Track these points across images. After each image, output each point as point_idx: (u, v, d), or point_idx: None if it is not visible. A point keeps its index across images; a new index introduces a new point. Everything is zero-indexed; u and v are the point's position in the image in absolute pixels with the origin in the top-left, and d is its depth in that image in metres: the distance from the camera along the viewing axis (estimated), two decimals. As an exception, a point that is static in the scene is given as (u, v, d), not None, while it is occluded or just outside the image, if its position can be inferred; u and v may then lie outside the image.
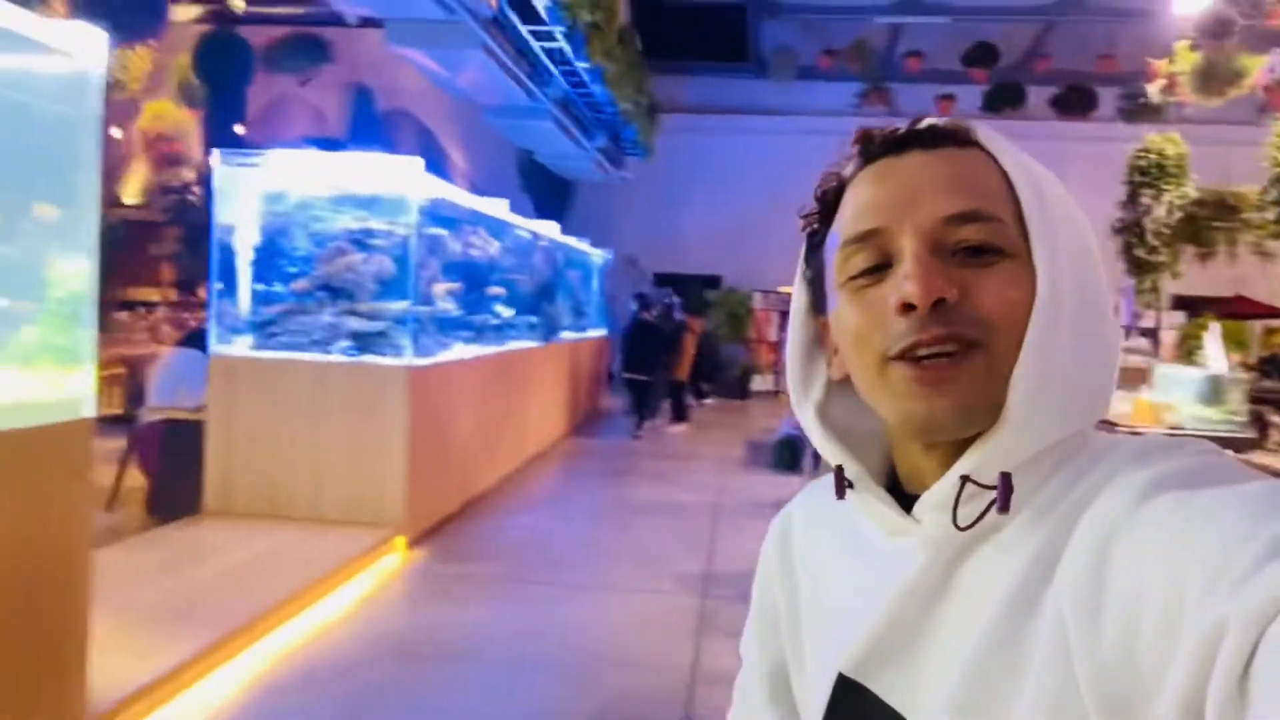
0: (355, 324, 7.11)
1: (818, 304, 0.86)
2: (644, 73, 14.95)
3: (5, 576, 3.30)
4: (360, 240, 7.36)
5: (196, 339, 7.49)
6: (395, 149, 12.25)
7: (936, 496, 0.75)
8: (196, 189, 15.24)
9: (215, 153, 7.01)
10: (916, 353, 0.72)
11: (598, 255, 16.22)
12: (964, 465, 0.73)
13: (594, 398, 15.30)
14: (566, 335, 13.13)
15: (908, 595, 0.76)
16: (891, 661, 0.77)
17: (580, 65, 11.95)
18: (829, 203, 0.83)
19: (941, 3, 18.00)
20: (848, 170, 0.82)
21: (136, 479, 7.43)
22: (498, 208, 9.73)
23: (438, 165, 12.51)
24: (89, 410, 3.72)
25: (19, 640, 3.37)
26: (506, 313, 10.17)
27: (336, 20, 12.59)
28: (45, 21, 3.58)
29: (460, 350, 8.26)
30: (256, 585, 5.31)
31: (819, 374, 0.88)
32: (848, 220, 0.79)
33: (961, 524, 0.72)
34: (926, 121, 0.79)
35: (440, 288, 8.26)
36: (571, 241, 13.88)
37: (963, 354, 0.71)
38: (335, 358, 6.86)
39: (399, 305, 7.13)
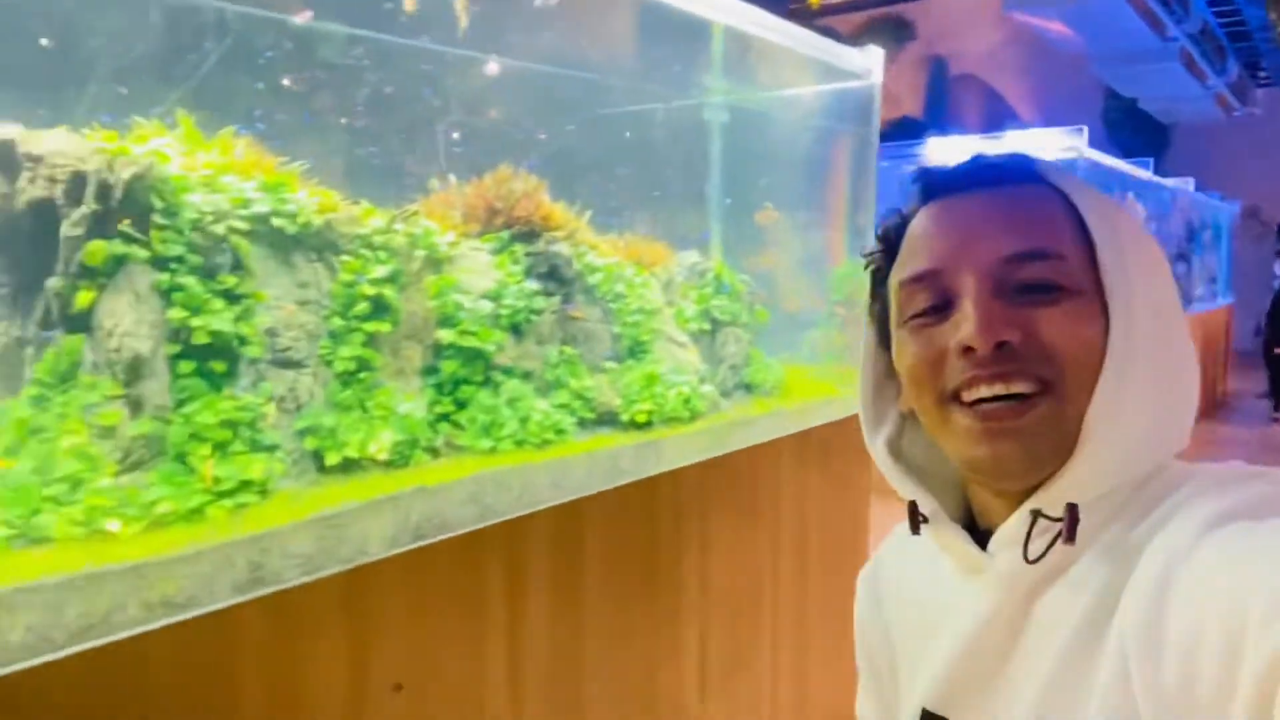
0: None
1: (885, 338, 0.85)
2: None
3: (829, 549, 3.77)
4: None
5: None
6: (962, 115, 11.70)
7: (1008, 533, 0.78)
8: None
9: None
10: (977, 394, 0.72)
11: (1223, 209, 13.75)
12: (1035, 501, 0.75)
13: (1212, 380, 13.08)
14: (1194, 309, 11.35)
15: (984, 631, 0.78)
16: (971, 696, 0.78)
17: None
18: (891, 240, 0.83)
19: None
20: (909, 207, 0.83)
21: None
22: (1137, 169, 8.68)
23: (1003, 124, 11.66)
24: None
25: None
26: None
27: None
28: (843, 49, 3.94)
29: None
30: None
31: (890, 407, 0.87)
32: (907, 259, 0.80)
33: (1031, 557, 0.73)
34: (986, 157, 0.77)
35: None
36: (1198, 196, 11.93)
37: (1030, 398, 0.71)
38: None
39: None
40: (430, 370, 3.47)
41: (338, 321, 3.19)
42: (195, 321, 2.84)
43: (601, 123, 4.11)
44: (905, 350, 0.81)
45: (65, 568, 2.39)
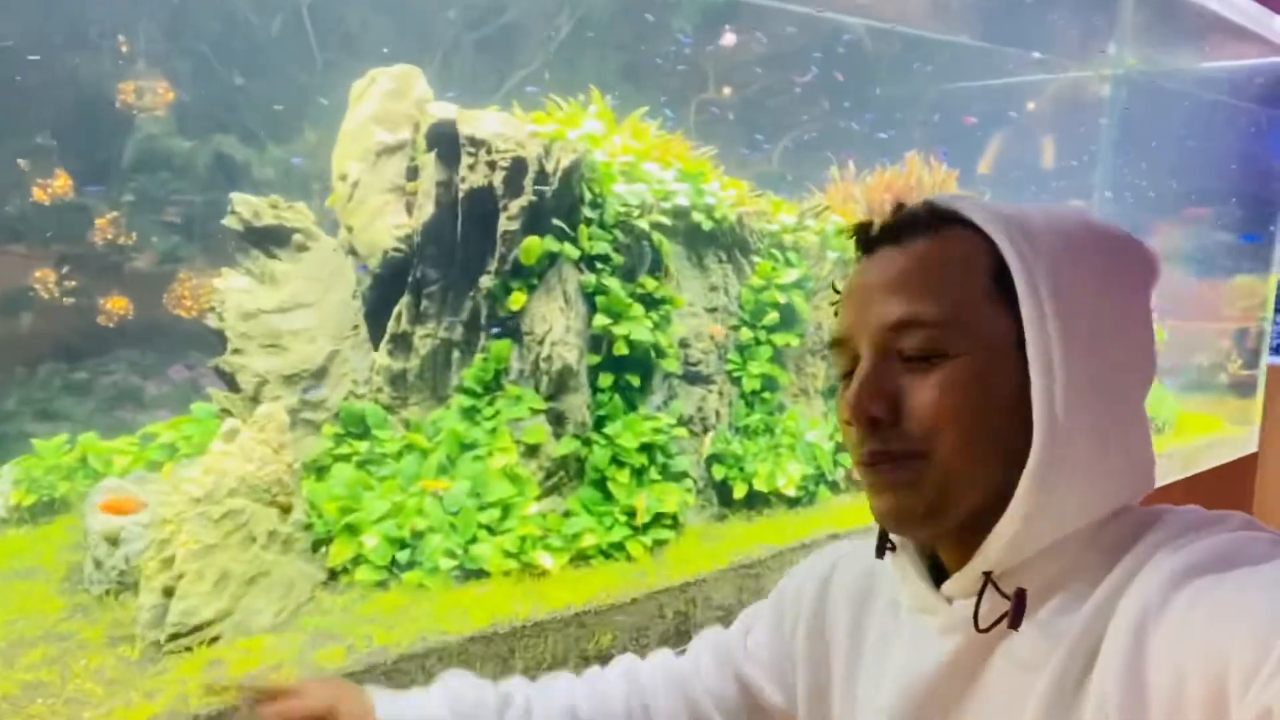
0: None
1: None
2: None
3: None
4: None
5: None
6: None
7: (959, 586, 0.75)
8: None
9: None
10: (868, 451, 0.73)
11: None
12: (981, 560, 0.72)
13: None
14: None
15: (943, 672, 0.76)
16: None
17: None
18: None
19: None
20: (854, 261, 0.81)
21: None
22: None
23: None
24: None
25: None
26: None
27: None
28: None
29: None
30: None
31: None
32: (836, 320, 0.79)
33: (982, 624, 0.72)
34: (908, 208, 0.75)
35: None
36: None
37: (902, 462, 0.72)
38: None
39: None
40: (833, 390, 2.99)
41: (745, 333, 2.79)
42: (617, 329, 2.52)
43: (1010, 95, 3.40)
44: (838, 407, 0.80)
45: (506, 610, 2.12)
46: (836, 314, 0.82)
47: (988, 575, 0.73)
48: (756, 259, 2.82)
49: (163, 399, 3.45)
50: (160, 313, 3.97)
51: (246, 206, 2.35)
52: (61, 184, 3.99)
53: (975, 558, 0.73)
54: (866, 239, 0.78)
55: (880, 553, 0.84)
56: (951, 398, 0.70)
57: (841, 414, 0.76)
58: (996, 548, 0.71)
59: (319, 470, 2.24)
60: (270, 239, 2.36)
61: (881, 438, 0.73)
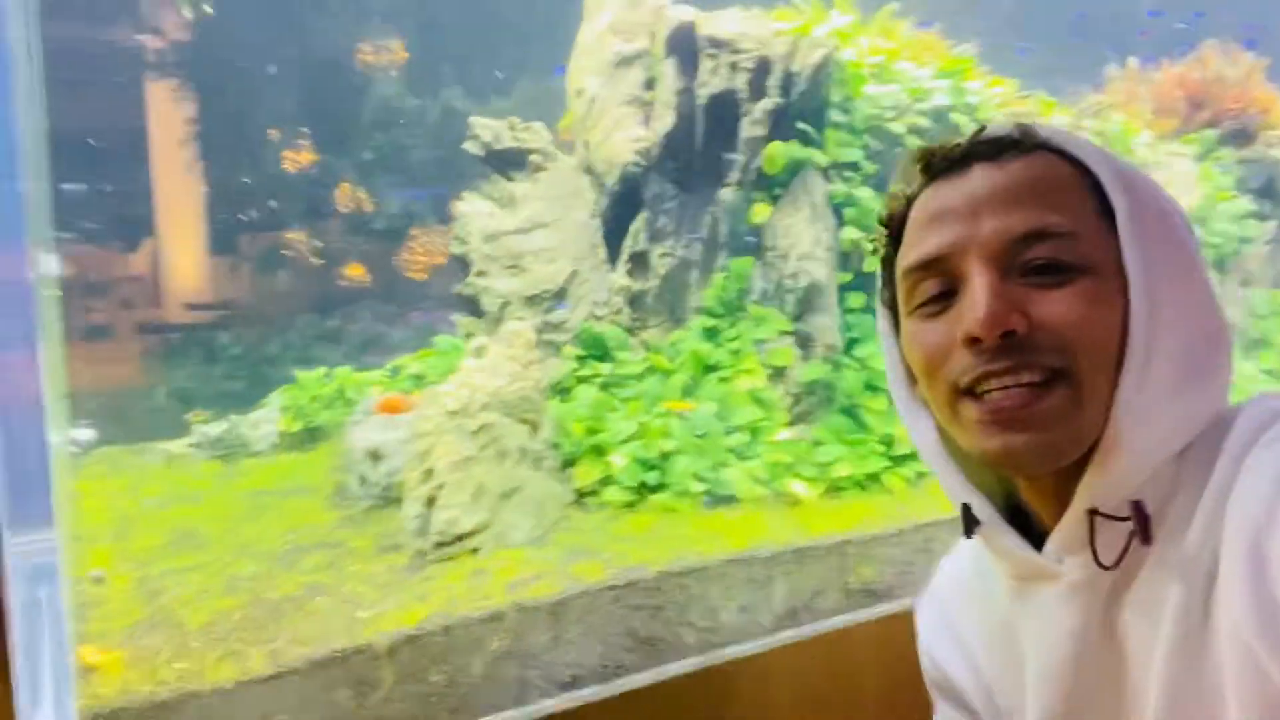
0: None
1: (898, 325, 0.79)
2: None
3: None
4: None
5: None
6: None
7: (1065, 537, 0.71)
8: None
9: None
10: (987, 386, 0.67)
11: None
12: (1085, 499, 0.69)
13: None
14: None
15: (1080, 647, 0.73)
16: (1088, 715, 0.75)
17: None
18: (895, 224, 0.77)
19: None
20: (912, 189, 0.75)
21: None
22: None
23: None
24: None
25: None
26: None
27: None
28: None
29: None
30: None
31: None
32: (911, 245, 0.73)
33: (1106, 563, 0.69)
34: (989, 130, 0.73)
35: None
36: None
37: (1044, 386, 0.66)
38: None
39: None
40: None
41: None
42: (869, 245, 2.30)
43: None
44: (914, 342, 0.73)
45: (761, 535, 1.97)
46: (876, 251, 0.79)
47: (1093, 514, 0.69)
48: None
49: (405, 342, 3.60)
50: (398, 268, 4.17)
51: (486, 130, 2.32)
52: (306, 155, 4.28)
53: (1076, 499, 0.70)
54: (950, 156, 0.74)
55: (969, 532, 0.78)
56: (1091, 312, 0.67)
57: (961, 334, 0.68)
58: (1101, 482, 0.68)
59: (562, 392, 2.19)
60: (509, 161, 2.33)
61: (1019, 351, 0.67)
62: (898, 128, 2.33)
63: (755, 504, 2.08)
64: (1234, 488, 0.65)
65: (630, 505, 2.03)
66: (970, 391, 0.69)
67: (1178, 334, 0.68)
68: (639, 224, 2.29)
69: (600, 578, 1.76)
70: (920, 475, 2.26)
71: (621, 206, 2.30)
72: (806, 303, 2.27)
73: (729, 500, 2.08)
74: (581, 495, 2.06)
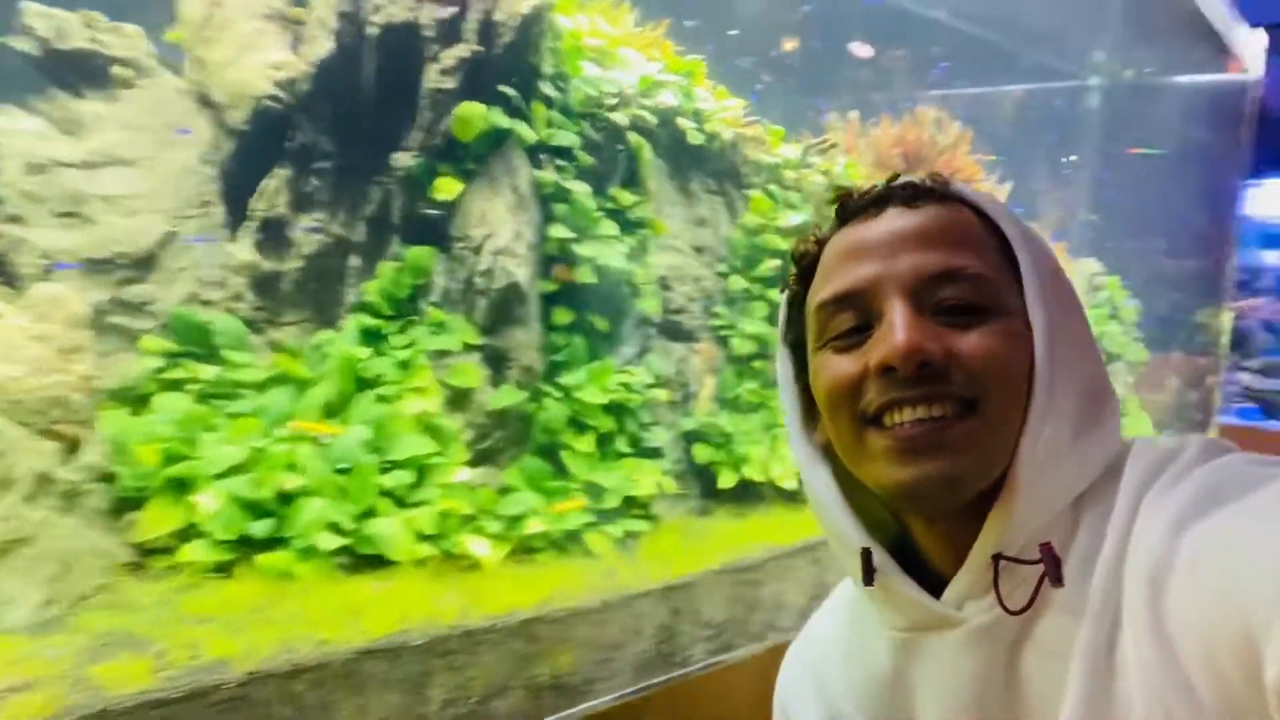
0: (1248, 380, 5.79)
1: (802, 366, 0.79)
2: None
3: None
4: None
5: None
6: None
7: (969, 582, 0.71)
8: None
9: None
10: (899, 416, 0.68)
11: None
12: (989, 542, 0.69)
13: None
14: None
15: (983, 694, 0.71)
16: None
17: None
18: (808, 263, 0.77)
19: None
20: (826, 230, 0.77)
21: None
22: None
23: None
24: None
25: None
26: None
27: None
28: None
29: None
30: None
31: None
32: (827, 280, 0.74)
33: (1015, 607, 0.68)
34: (904, 178, 0.75)
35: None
36: None
37: (955, 417, 0.67)
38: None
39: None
40: None
41: (735, 281, 2.18)
42: (582, 250, 1.87)
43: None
44: (823, 372, 0.74)
45: (420, 613, 1.37)
46: (785, 291, 0.80)
47: (997, 558, 0.69)
48: (751, 194, 2.24)
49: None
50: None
51: (45, 22, 1.60)
52: None
53: (980, 542, 0.69)
54: (868, 198, 0.75)
55: (869, 579, 0.75)
56: (1003, 349, 0.69)
57: (877, 361, 0.68)
58: (1006, 524, 0.68)
59: (136, 400, 1.46)
60: (80, 70, 1.61)
61: (933, 382, 0.67)
62: (620, 119, 1.96)
63: (416, 568, 1.49)
64: (1133, 530, 0.66)
65: (223, 569, 1.35)
66: (878, 421, 0.69)
67: (1075, 379, 0.71)
68: (276, 181, 1.67)
69: (141, 686, 1.06)
70: (629, 535, 1.81)
71: (251, 154, 1.66)
72: (501, 311, 1.76)
73: (378, 562, 1.47)
74: (145, 553, 1.34)
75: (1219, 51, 3.54)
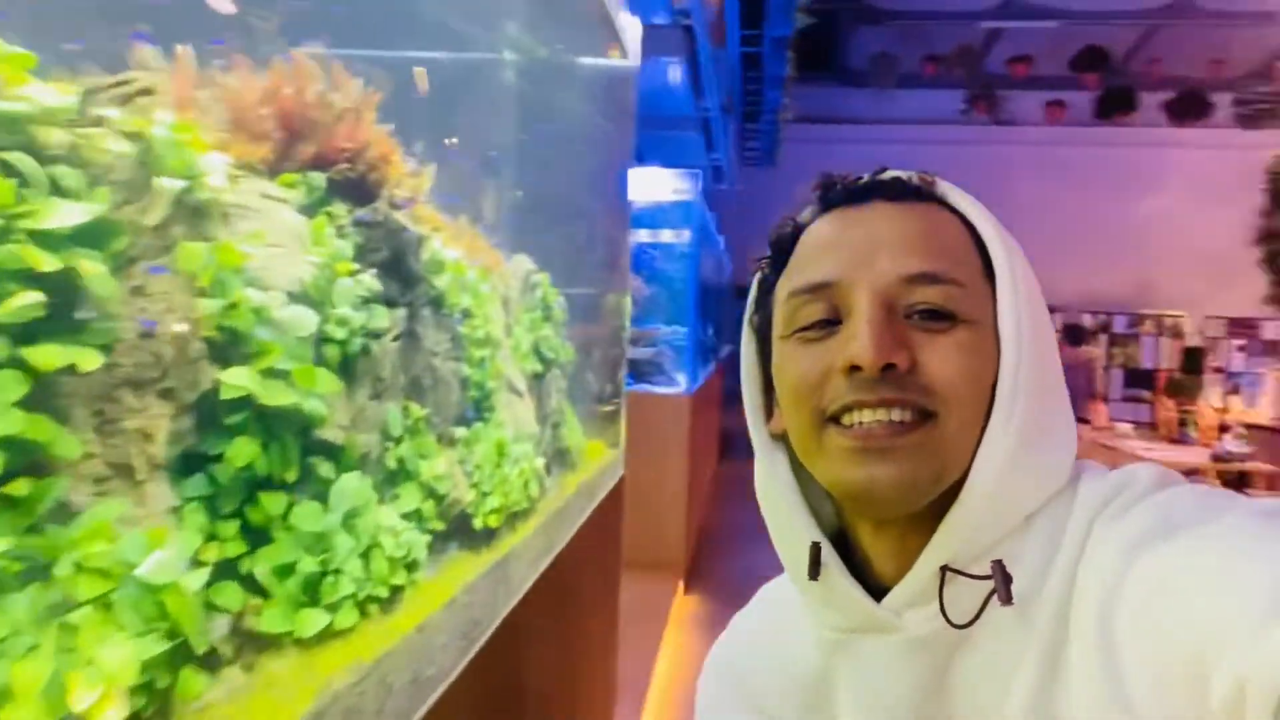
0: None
1: (766, 353, 0.80)
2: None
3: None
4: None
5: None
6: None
7: (912, 590, 0.71)
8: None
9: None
10: (858, 417, 0.69)
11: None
12: (938, 553, 0.69)
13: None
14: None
15: (916, 705, 0.71)
16: None
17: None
18: (783, 247, 0.78)
19: (1048, 6, 17.55)
20: (805, 215, 0.78)
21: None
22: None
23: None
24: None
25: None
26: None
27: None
28: None
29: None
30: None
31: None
32: (800, 268, 0.75)
33: (958, 620, 0.68)
34: (890, 172, 0.75)
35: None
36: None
37: (912, 424, 0.68)
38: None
39: (674, 329, 6.70)
40: (192, 462, 1.41)
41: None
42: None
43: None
44: (787, 364, 0.75)
45: None
46: (757, 273, 0.79)
47: (944, 570, 0.69)
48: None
49: None
50: None
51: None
52: None
53: (928, 552, 0.70)
54: (853, 189, 0.75)
55: (815, 574, 0.74)
56: (968, 362, 0.69)
57: (843, 360, 0.69)
58: (956, 535, 0.68)
59: None
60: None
61: (894, 387, 0.68)
62: None
63: None
64: (1083, 554, 0.66)
65: None
66: (836, 420, 0.69)
67: (1038, 395, 0.70)
68: None
69: None
70: None
71: None
72: None
73: None
74: None
75: (614, 37, 3.41)
